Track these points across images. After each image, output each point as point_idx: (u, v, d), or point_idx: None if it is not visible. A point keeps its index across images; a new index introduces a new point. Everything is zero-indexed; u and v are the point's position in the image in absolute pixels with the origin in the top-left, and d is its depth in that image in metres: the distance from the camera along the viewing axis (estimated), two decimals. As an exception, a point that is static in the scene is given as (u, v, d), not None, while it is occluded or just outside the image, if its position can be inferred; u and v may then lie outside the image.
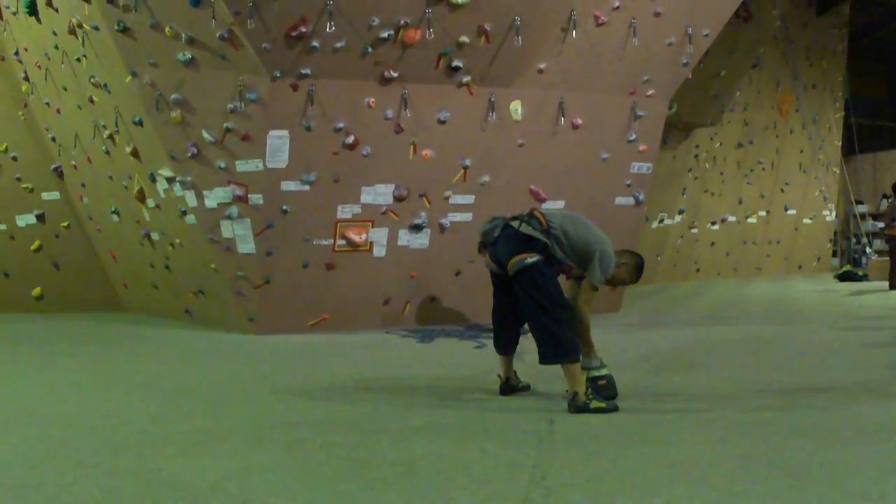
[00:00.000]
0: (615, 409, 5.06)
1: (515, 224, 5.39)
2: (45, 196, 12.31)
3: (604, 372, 5.43)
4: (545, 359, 5.15)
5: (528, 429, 4.65)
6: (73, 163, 11.60)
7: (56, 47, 10.46)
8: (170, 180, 9.53)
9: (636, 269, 5.70)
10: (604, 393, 5.28)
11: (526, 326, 5.38)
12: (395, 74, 9.09)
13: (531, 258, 5.20)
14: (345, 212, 9.42)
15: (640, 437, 4.44)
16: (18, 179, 12.18)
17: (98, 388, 6.32)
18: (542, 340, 5.14)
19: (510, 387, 5.71)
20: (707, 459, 3.96)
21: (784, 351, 7.92)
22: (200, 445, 4.41)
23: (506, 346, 5.69)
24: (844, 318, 10.68)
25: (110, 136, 10.24)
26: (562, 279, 5.54)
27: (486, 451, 4.18)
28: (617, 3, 9.72)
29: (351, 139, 9.14)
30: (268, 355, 8.04)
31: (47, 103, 11.46)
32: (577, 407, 5.01)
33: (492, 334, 5.81)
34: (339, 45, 8.66)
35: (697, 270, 18.85)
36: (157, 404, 5.61)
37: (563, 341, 5.06)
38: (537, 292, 5.15)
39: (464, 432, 4.64)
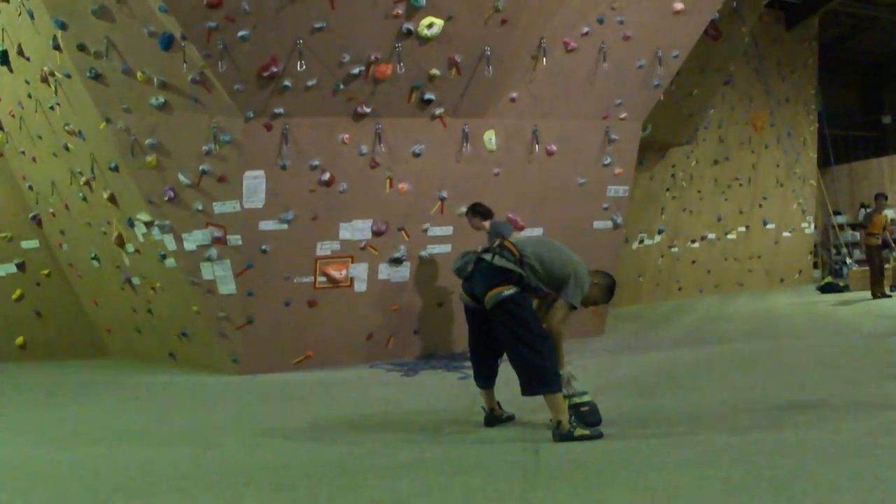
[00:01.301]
0: (599, 435, 5.07)
1: (488, 257, 5.41)
2: (25, 245, 12.25)
3: (586, 398, 5.44)
4: (527, 390, 5.17)
5: (513, 460, 4.66)
6: (50, 210, 11.58)
7: (29, 96, 10.46)
8: (148, 224, 9.52)
9: (608, 289, 5.78)
10: (587, 419, 5.29)
11: (505, 356, 5.40)
12: (368, 110, 9.13)
13: (507, 290, 5.22)
14: (324, 249, 9.42)
15: (625, 464, 4.45)
16: (-4, 229, 12.15)
17: (84, 438, 6.27)
18: (523, 372, 5.16)
19: (495, 418, 5.72)
20: (692, 484, 3.97)
21: (768, 367, 7.95)
22: (188, 492, 4.39)
23: (486, 379, 5.71)
24: (827, 331, 10.73)
25: (87, 183, 10.23)
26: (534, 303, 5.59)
27: (472, 485, 4.17)
28: (586, 29, 9.81)
29: (327, 176, 9.16)
30: (253, 396, 8.01)
31: (23, 152, 11.44)
32: (561, 435, 5.02)
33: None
34: (310, 83, 8.70)
35: (679, 289, 18.88)
36: (143, 452, 5.58)
37: (544, 372, 5.07)
38: (516, 324, 5.17)
39: (450, 467, 4.64)
